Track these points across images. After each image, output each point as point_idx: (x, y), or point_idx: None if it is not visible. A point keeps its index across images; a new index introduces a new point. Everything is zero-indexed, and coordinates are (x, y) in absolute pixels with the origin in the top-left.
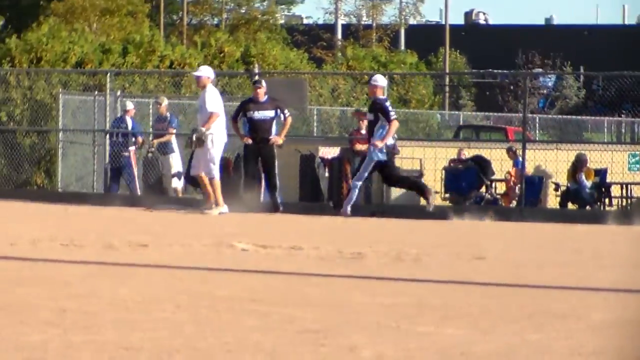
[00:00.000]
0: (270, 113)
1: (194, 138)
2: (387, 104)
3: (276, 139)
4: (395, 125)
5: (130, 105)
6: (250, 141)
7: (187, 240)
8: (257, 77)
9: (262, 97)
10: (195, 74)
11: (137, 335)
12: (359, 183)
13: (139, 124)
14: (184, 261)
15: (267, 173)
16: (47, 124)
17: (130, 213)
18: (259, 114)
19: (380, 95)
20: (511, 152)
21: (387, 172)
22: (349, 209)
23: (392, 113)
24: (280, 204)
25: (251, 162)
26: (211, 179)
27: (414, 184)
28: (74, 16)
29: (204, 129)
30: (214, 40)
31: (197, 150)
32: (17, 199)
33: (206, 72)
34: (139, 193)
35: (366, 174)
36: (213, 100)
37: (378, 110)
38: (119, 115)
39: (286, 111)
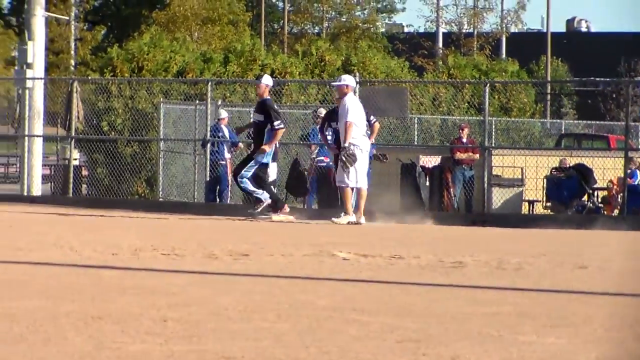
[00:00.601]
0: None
1: (344, 158)
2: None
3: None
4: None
5: (224, 113)
6: (338, 152)
7: (287, 250)
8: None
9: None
10: (335, 83)
11: (239, 344)
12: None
13: (233, 132)
14: (285, 270)
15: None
16: (148, 133)
17: (230, 222)
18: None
19: (266, 95)
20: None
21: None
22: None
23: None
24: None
25: None
26: (344, 188)
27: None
28: (176, 25)
29: (347, 145)
30: (315, 49)
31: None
32: (119, 209)
33: (347, 81)
34: (227, 202)
35: (248, 174)
36: (353, 109)
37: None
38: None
39: (372, 117)
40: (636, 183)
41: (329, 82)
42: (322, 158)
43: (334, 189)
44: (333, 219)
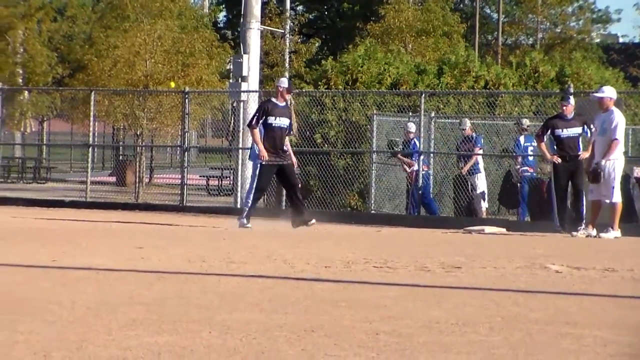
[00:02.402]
0: (577, 130)
1: (594, 172)
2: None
3: (584, 154)
4: None
5: (413, 127)
6: (559, 160)
7: (499, 262)
8: (567, 94)
9: (570, 114)
10: (597, 95)
11: (450, 357)
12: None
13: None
14: (497, 283)
15: (577, 190)
16: (361, 145)
17: (442, 234)
18: (567, 132)
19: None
20: None
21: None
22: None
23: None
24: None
25: (562, 180)
26: (613, 204)
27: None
28: (390, 37)
29: (603, 162)
30: (529, 60)
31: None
32: (331, 221)
33: (609, 93)
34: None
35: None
36: (621, 125)
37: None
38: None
39: (592, 126)
40: None
41: (542, 93)
42: (526, 168)
43: (546, 201)
44: (601, 234)
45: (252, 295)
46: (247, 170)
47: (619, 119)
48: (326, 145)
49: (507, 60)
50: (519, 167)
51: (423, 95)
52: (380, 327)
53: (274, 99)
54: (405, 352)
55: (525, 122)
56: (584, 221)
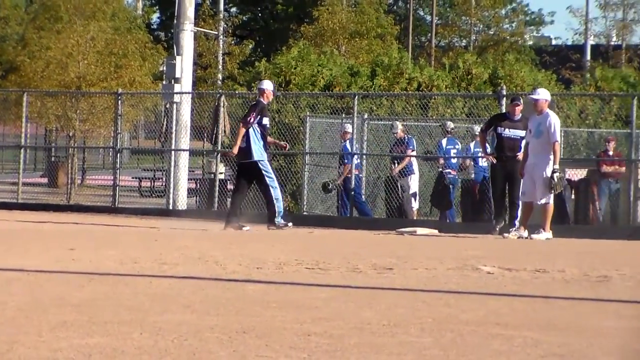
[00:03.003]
0: (521, 132)
1: (555, 179)
2: None
3: (519, 156)
4: None
5: (349, 128)
6: (494, 160)
7: (431, 264)
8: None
9: (517, 115)
10: (532, 97)
11: (382, 359)
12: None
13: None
14: (429, 284)
15: (511, 191)
16: (294, 147)
17: (374, 236)
18: (509, 132)
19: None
20: None
21: None
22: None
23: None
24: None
25: (499, 180)
26: (545, 205)
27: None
28: (323, 39)
29: (557, 168)
30: (462, 62)
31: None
32: (263, 223)
33: (544, 95)
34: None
35: None
36: (558, 127)
37: None
38: (364, 137)
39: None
40: None
41: (475, 95)
42: (449, 170)
43: (478, 203)
44: (532, 235)
45: (184, 296)
46: (179, 172)
47: (555, 121)
48: None
49: (440, 62)
50: (440, 169)
51: (356, 97)
52: (312, 328)
53: (263, 100)
54: (337, 353)
55: (449, 124)
56: (517, 222)
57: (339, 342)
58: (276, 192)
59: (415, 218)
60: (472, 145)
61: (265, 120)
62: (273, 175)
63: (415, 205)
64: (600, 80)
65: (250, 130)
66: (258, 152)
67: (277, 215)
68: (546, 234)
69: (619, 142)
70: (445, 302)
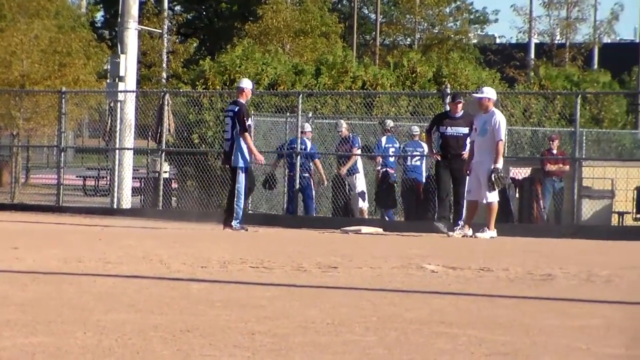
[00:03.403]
0: (463, 130)
1: (493, 178)
2: None
3: (465, 154)
4: None
5: (308, 127)
6: (439, 158)
7: (375, 262)
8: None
9: (457, 113)
10: (477, 95)
11: (326, 358)
12: None
13: (315, 146)
14: (373, 283)
15: (456, 190)
16: None
17: (319, 235)
18: (451, 130)
19: None
20: None
21: None
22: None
23: None
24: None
25: (444, 178)
26: (489, 204)
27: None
28: (268, 37)
29: (500, 166)
30: (406, 61)
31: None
32: (208, 221)
33: (489, 94)
34: (314, 214)
35: None
36: (503, 125)
37: None
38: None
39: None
40: None
41: (419, 93)
42: (387, 169)
43: (422, 202)
44: (477, 234)
45: (128, 295)
46: (124, 170)
47: (501, 120)
48: (204, 145)
49: (384, 61)
50: (379, 167)
51: (300, 95)
52: (256, 327)
53: (242, 99)
54: (281, 352)
55: (389, 123)
56: (461, 222)
57: (284, 341)
58: (239, 201)
59: (366, 217)
60: (383, 140)
61: (249, 121)
62: (243, 186)
63: (363, 204)
64: (544, 79)
65: (235, 135)
66: (238, 159)
67: (234, 219)
68: (491, 233)
69: (562, 140)
70: (390, 300)
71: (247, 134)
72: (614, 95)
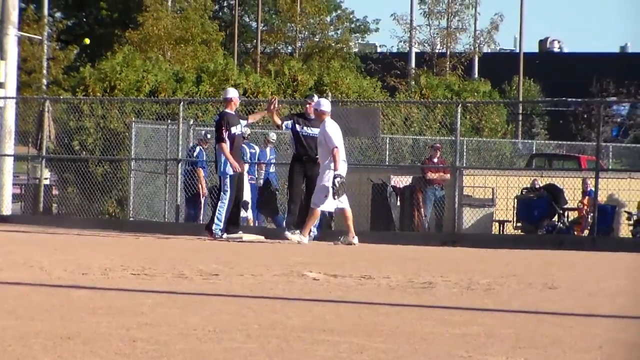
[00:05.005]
0: (317, 131)
1: (337, 184)
2: None
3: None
4: None
5: (273, 136)
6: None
7: (258, 270)
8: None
9: (312, 114)
10: (313, 105)
11: None
12: None
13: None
14: (255, 290)
15: (307, 194)
16: (120, 152)
17: (201, 242)
18: (306, 130)
19: None
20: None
21: None
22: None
23: None
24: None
25: (297, 180)
26: (312, 209)
27: None
28: (149, 45)
29: (342, 173)
30: (287, 69)
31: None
32: (89, 228)
33: (318, 105)
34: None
35: None
36: (336, 134)
37: None
38: (191, 144)
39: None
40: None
41: (301, 102)
42: (268, 177)
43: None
44: (286, 232)
45: (8, 302)
46: (4, 177)
47: (330, 128)
48: (84, 152)
49: (265, 69)
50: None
51: (182, 103)
52: (137, 334)
53: (227, 110)
54: (162, 359)
55: (272, 135)
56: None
57: (165, 348)
58: (222, 208)
59: (252, 225)
60: (267, 151)
61: (235, 129)
62: (228, 194)
63: (247, 214)
64: (425, 88)
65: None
66: (221, 167)
67: (215, 224)
68: (302, 238)
69: (443, 149)
70: (272, 308)
71: (223, 143)
72: (494, 104)
